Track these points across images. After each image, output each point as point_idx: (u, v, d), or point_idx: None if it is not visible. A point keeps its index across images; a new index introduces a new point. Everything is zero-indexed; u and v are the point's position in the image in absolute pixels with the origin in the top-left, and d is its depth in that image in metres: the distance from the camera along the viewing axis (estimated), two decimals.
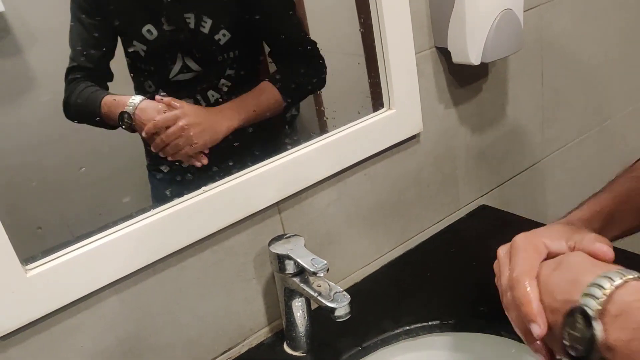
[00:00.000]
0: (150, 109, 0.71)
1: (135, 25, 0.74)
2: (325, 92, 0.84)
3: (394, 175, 0.91)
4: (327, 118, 0.83)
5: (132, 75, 0.75)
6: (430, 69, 0.89)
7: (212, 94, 0.80)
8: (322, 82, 0.84)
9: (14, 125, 0.64)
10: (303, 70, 0.85)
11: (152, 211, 0.68)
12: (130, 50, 0.73)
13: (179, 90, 0.77)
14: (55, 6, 0.70)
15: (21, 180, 0.63)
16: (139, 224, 0.66)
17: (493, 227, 1.00)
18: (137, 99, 0.70)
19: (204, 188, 0.71)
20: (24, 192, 0.63)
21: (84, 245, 0.63)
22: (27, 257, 0.60)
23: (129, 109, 0.69)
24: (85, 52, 0.70)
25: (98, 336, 0.67)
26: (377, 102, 0.85)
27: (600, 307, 0.42)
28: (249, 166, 0.74)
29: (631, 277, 0.43)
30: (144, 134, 0.70)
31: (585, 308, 0.42)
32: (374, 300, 0.85)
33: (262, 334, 0.83)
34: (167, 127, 0.70)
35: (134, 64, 0.75)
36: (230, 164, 0.73)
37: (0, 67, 0.66)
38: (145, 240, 0.67)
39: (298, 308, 0.75)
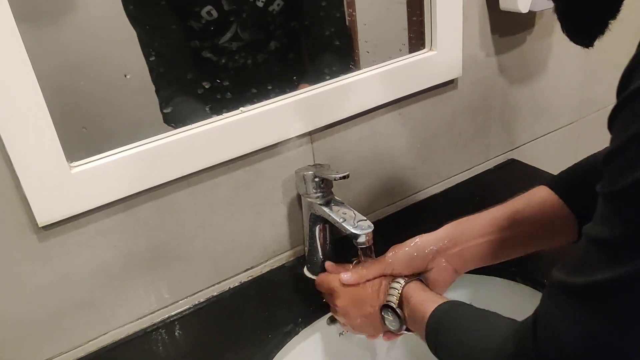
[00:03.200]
0: None
1: (194, 8, 0.74)
2: (368, 27, 0.84)
3: (427, 119, 0.92)
4: (368, 52, 0.83)
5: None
6: (476, 13, 0.88)
7: (260, 56, 0.82)
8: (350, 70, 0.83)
9: (62, 36, 0.67)
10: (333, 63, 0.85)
11: (190, 126, 0.70)
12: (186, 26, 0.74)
13: (226, 54, 0.79)
14: None
15: (71, 83, 0.66)
16: (177, 136, 0.69)
17: (519, 181, 1.00)
18: None
19: (242, 109, 0.73)
20: (73, 94, 0.66)
21: (125, 150, 0.66)
22: (73, 154, 0.63)
23: None
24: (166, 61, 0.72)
25: (131, 239, 0.71)
26: (418, 42, 0.85)
27: (398, 300, 0.63)
28: (286, 92, 0.76)
29: (405, 281, 0.64)
30: None
31: (391, 303, 0.64)
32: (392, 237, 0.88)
33: (284, 257, 0.86)
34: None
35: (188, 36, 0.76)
36: (269, 88, 0.75)
37: None
38: (182, 152, 0.70)
39: (322, 233, 0.78)
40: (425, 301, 0.60)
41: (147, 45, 0.72)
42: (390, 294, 0.64)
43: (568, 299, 0.41)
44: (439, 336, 0.57)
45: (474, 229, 0.66)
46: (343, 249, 0.78)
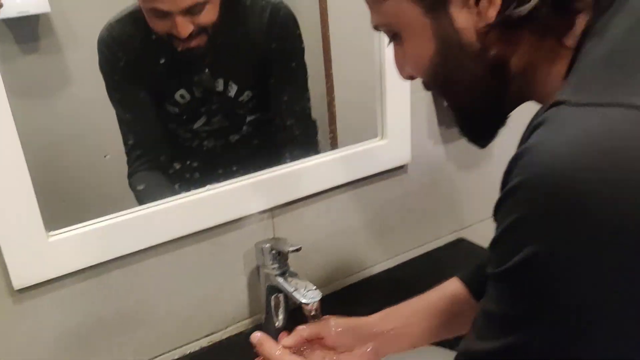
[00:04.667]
0: None
1: (169, 92, 0.85)
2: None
3: (380, 199, 1.01)
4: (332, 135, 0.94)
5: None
6: (424, 109, 1.00)
7: (232, 137, 0.93)
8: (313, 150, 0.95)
9: (49, 115, 0.76)
10: (300, 142, 0.96)
11: (161, 201, 0.78)
12: (163, 110, 0.86)
13: (201, 136, 0.89)
14: (99, 12, 0.82)
15: (54, 159, 0.74)
16: (147, 210, 0.77)
17: (467, 258, 1.09)
18: None
19: (208, 186, 0.81)
20: (55, 170, 0.74)
21: (100, 221, 0.74)
22: (51, 224, 0.70)
23: None
24: (138, 136, 0.82)
25: (101, 303, 0.78)
26: (371, 131, 0.95)
27: None
28: (250, 173, 0.85)
29: None
30: None
31: None
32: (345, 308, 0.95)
33: (242, 325, 0.92)
34: None
35: (166, 120, 0.87)
36: (234, 169, 0.84)
37: (41, 63, 0.78)
38: (152, 224, 0.77)
39: (277, 302, 0.85)
40: None
41: (125, 126, 0.82)
42: None
43: None
44: None
45: (402, 318, 0.74)
46: (300, 318, 0.84)
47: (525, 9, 0.46)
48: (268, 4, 0.90)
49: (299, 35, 0.93)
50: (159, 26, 0.80)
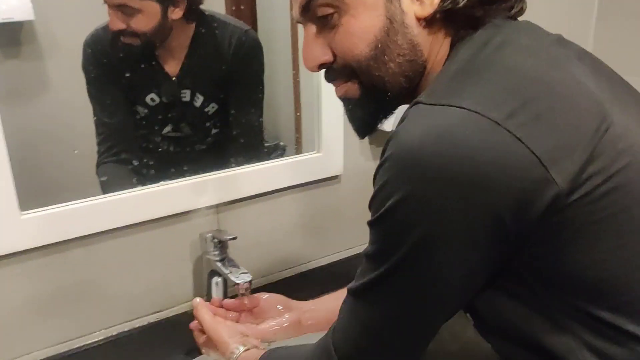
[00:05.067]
0: None
1: (141, 94, 0.99)
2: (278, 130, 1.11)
3: (316, 204, 1.16)
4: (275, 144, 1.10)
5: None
6: None
7: (198, 147, 1.07)
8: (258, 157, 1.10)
9: (28, 114, 0.90)
10: (251, 152, 1.12)
11: (121, 192, 0.92)
12: (134, 110, 1.00)
13: (169, 142, 1.03)
14: (81, 22, 0.95)
15: (31, 153, 0.88)
16: (108, 198, 0.91)
17: None
18: None
19: (162, 182, 0.96)
20: (32, 159, 0.88)
21: (66, 205, 0.87)
22: (25, 204, 0.84)
23: None
24: (108, 129, 0.96)
25: (62, 275, 0.91)
26: (309, 145, 1.11)
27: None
28: (199, 173, 0.99)
29: (241, 350, 0.78)
30: None
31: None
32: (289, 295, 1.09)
33: (186, 306, 1.06)
34: None
35: (137, 120, 1.01)
36: (185, 168, 0.98)
37: (21, 69, 0.91)
38: (111, 211, 0.91)
39: (217, 285, 0.99)
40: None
41: (99, 121, 0.96)
42: (231, 352, 0.80)
43: (351, 298, 0.61)
44: None
45: (326, 303, 0.89)
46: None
47: (459, 3, 0.59)
48: (236, 30, 1.05)
49: (261, 61, 1.09)
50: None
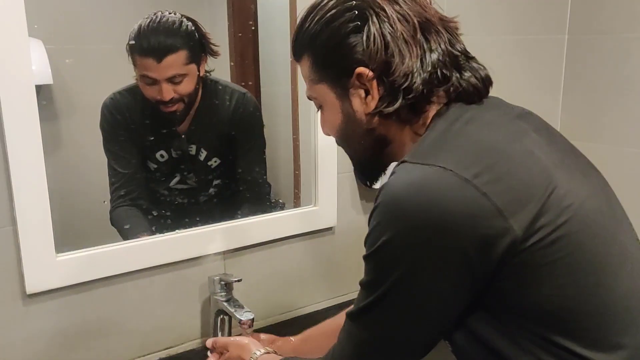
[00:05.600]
0: None
1: (151, 150, 1.15)
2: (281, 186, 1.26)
3: (312, 253, 1.29)
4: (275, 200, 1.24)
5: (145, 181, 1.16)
6: (349, 185, 1.31)
7: (202, 198, 1.22)
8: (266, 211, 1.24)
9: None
10: (258, 207, 1.25)
11: (141, 239, 1.06)
12: (145, 165, 1.15)
13: (176, 194, 1.18)
14: (95, 86, 1.09)
15: (66, 203, 1.01)
16: (129, 244, 1.04)
17: None
18: None
19: (177, 231, 1.09)
20: (67, 210, 1.01)
21: (94, 249, 1.00)
22: (60, 248, 0.96)
23: None
24: (122, 178, 1.10)
25: (87, 312, 1.03)
26: (307, 199, 1.25)
27: None
28: (209, 224, 1.13)
29: (262, 352, 0.90)
30: None
31: None
32: None
33: (195, 343, 1.17)
34: None
35: (146, 174, 1.16)
36: (197, 219, 1.12)
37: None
38: (131, 255, 1.04)
39: (223, 323, 1.11)
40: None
41: (114, 172, 1.10)
42: (253, 353, 0.91)
43: (348, 321, 0.73)
44: None
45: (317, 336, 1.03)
46: None
47: (390, 109, 0.74)
48: (235, 92, 1.21)
49: (260, 118, 1.24)
50: (148, 92, 1.09)
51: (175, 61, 1.07)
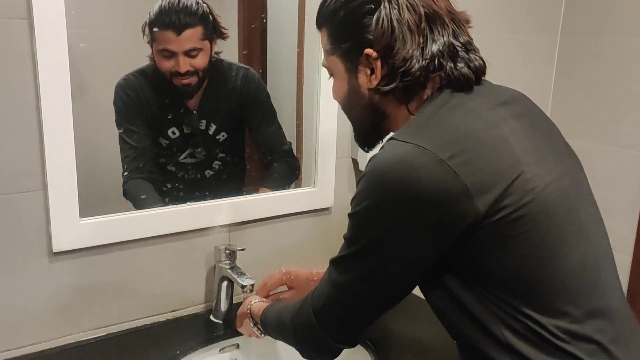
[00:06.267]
0: None
1: (163, 128, 1.25)
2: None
3: (311, 230, 1.40)
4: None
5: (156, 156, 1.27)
6: (346, 169, 1.41)
7: (207, 172, 1.32)
8: (296, 177, 1.37)
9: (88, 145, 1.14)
10: (286, 173, 1.37)
11: (154, 209, 1.17)
12: (156, 142, 1.25)
13: (184, 168, 1.28)
14: (109, 69, 1.18)
15: (90, 174, 1.12)
16: (144, 212, 1.16)
17: None
18: None
19: (188, 203, 1.20)
20: (91, 178, 1.12)
21: (113, 215, 1.11)
22: (83, 212, 1.07)
23: None
24: (134, 153, 1.20)
25: (104, 272, 1.14)
26: (307, 181, 1.36)
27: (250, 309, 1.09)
28: (217, 198, 1.24)
29: (255, 301, 1.10)
30: None
31: (247, 311, 1.09)
32: None
33: (199, 308, 1.28)
34: None
35: (157, 150, 1.26)
36: (207, 193, 1.23)
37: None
38: (145, 223, 1.15)
39: (226, 290, 1.22)
40: (259, 309, 1.06)
41: (126, 147, 1.19)
42: (248, 303, 1.10)
43: (330, 266, 0.85)
44: (266, 325, 1.03)
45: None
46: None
47: (387, 88, 0.83)
48: (240, 68, 1.31)
49: (264, 88, 1.34)
50: (165, 65, 1.17)
51: (193, 35, 1.16)
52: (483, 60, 0.86)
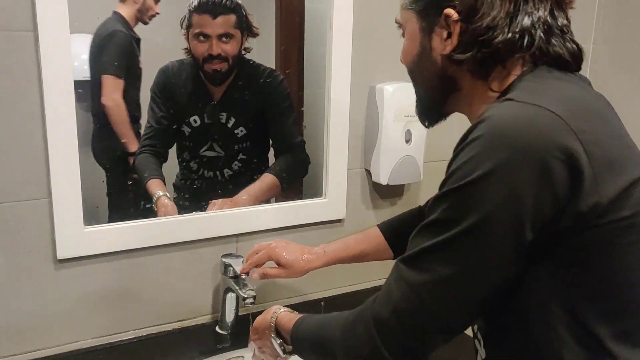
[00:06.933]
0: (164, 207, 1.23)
1: (186, 115, 1.27)
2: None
3: (322, 242, 1.36)
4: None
5: (178, 148, 1.31)
6: (359, 180, 1.38)
7: (226, 171, 1.32)
8: (306, 172, 1.37)
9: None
10: (294, 164, 1.36)
11: (161, 218, 1.17)
12: (180, 130, 1.28)
13: (204, 163, 1.29)
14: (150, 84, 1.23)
15: (93, 186, 1.14)
16: (150, 221, 1.16)
17: None
18: (159, 194, 1.23)
19: (194, 212, 1.20)
20: (93, 192, 1.13)
21: (117, 224, 1.12)
22: (87, 220, 1.08)
23: (153, 198, 1.23)
24: (155, 130, 1.26)
25: (109, 280, 1.15)
26: (317, 191, 1.34)
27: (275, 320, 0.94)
28: (225, 208, 1.23)
29: (280, 311, 0.95)
30: None
31: (272, 322, 0.94)
32: None
33: (205, 318, 1.27)
34: None
35: (180, 140, 1.28)
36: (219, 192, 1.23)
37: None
38: (152, 232, 1.16)
39: (231, 301, 1.21)
40: (287, 322, 0.90)
41: (150, 123, 1.25)
42: (274, 313, 0.95)
43: (401, 266, 0.68)
44: (298, 340, 0.87)
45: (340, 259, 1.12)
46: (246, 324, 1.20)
47: (461, 57, 0.73)
48: (266, 69, 1.34)
49: (286, 90, 1.36)
50: (199, 49, 1.24)
51: (227, 21, 1.24)
52: (579, 48, 0.75)
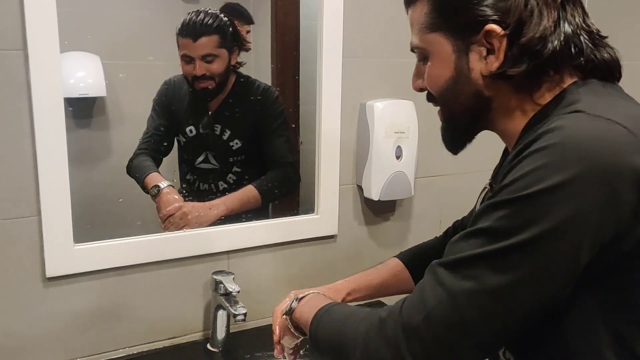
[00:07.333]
0: (166, 199, 1.23)
1: (183, 125, 1.29)
2: None
3: (314, 259, 1.37)
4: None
5: (178, 162, 1.33)
6: (351, 196, 1.38)
7: (221, 184, 1.32)
8: (292, 190, 1.38)
9: (89, 174, 1.16)
10: (281, 181, 1.36)
11: (150, 235, 1.17)
12: (177, 140, 1.31)
13: (200, 176, 1.30)
14: (145, 101, 1.24)
15: (85, 202, 1.14)
16: (140, 238, 1.15)
17: None
18: (164, 184, 1.24)
19: (184, 228, 1.20)
20: (85, 208, 1.13)
21: (108, 241, 1.12)
22: (78, 238, 1.08)
23: (154, 190, 1.24)
24: (152, 135, 1.28)
25: (99, 298, 1.14)
26: (309, 207, 1.34)
27: (294, 306, 0.91)
28: (216, 224, 1.23)
29: (302, 295, 0.92)
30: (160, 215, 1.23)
31: (291, 306, 0.91)
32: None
33: (196, 336, 1.27)
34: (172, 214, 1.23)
35: (178, 151, 1.30)
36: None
37: (91, 137, 1.18)
38: (143, 249, 1.15)
39: (222, 318, 1.20)
40: (310, 310, 0.84)
41: (148, 130, 1.25)
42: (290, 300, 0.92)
43: (440, 270, 0.63)
44: (317, 335, 0.79)
45: (361, 289, 1.03)
46: (238, 339, 1.19)
47: (515, 70, 0.69)
48: (262, 85, 1.35)
49: (280, 106, 1.36)
50: (186, 69, 1.26)
51: (209, 42, 1.26)
52: (615, 55, 0.73)
